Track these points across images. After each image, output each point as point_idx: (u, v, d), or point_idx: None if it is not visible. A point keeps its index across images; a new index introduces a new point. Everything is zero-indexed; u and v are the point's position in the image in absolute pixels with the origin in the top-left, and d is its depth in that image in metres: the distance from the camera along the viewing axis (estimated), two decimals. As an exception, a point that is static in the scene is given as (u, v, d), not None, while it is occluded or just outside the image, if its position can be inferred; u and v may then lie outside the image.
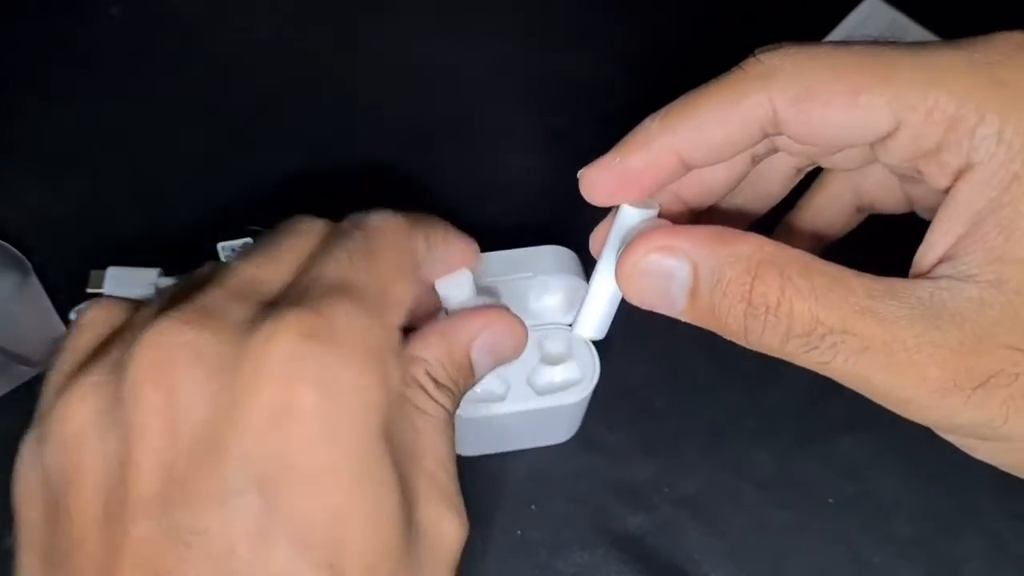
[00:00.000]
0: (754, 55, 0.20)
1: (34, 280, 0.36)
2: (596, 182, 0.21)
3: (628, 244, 0.20)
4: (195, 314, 0.18)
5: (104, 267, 0.36)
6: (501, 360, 0.23)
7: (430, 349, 0.21)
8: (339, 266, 0.20)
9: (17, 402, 0.35)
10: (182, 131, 0.41)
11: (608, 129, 0.38)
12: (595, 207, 0.22)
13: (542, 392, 0.29)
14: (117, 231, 0.38)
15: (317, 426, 0.17)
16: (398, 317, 0.20)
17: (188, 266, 0.36)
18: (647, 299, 0.21)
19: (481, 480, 0.34)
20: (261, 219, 0.38)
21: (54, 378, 0.20)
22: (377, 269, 0.20)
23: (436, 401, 0.21)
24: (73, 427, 0.18)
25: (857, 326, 0.18)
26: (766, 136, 0.20)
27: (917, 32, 0.41)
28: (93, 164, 0.40)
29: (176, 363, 0.18)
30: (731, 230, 0.20)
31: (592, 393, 0.30)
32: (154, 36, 0.42)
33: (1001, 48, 0.19)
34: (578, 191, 0.39)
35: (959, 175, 0.19)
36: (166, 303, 0.19)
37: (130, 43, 0.42)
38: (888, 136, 0.19)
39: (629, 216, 0.21)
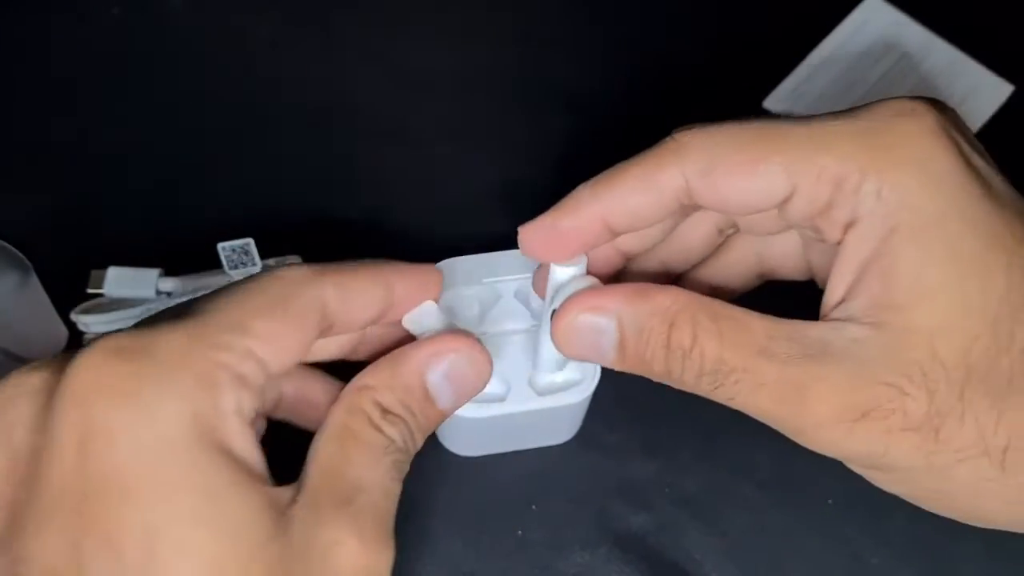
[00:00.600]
0: (671, 136, 0.22)
1: (35, 280, 0.36)
2: (531, 240, 0.24)
3: (561, 306, 0.23)
4: (50, 359, 0.19)
5: (105, 267, 0.36)
6: (464, 388, 0.23)
7: (377, 375, 0.22)
8: (206, 299, 0.20)
9: (18, 402, 0.35)
10: (181, 131, 0.41)
11: (606, 130, 0.39)
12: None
13: (543, 392, 0.29)
14: (118, 231, 0.38)
15: (124, 442, 0.17)
16: (250, 348, 0.19)
17: (189, 266, 0.36)
18: (581, 354, 0.23)
19: (481, 480, 0.34)
20: (260, 219, 0.38)
21: None
22: (235, 305, 0.20)
23: (378, 429, 0.21)
24: None
25: (754, 365, 0.21)
26: (683, 205, 0.22)
27: (918, 32, 0.41)
28: (94, 163, 0.40)
29: (13, 401, 0.18)
30: (650, 285, 0.22)
31: (592, 394, 0.30)
32: (154, 36, 0.42)
33: (882, 115, 0.21)
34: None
35: (847, 229, 0.21)
36: None
37: (130, 43, 0.42)
38: (787, 199, 0.21)
39: (558, 273, 0.24)
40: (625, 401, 0.35)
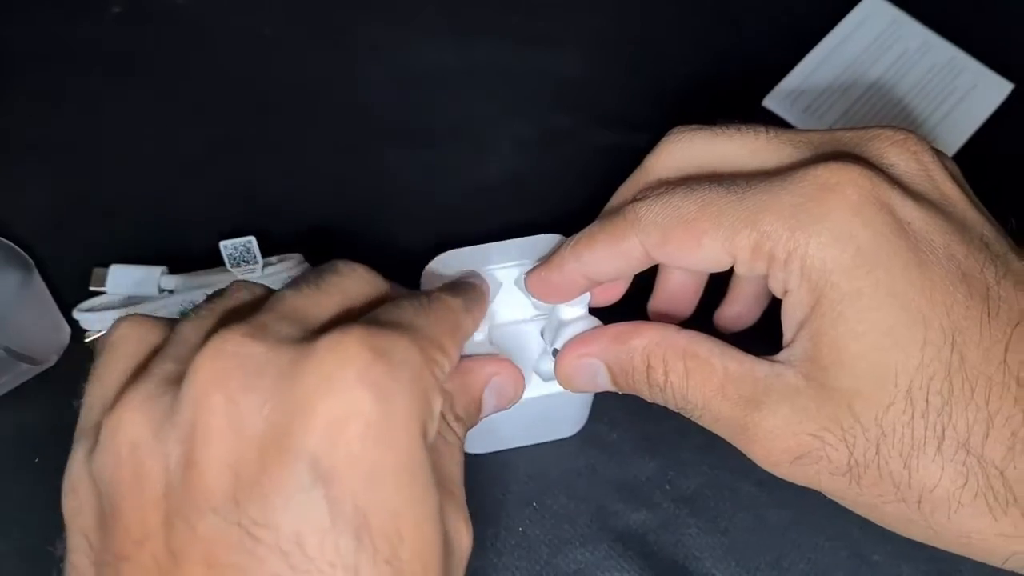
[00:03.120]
0: (631, 206, 0.24)
1: (37, 278, 0.36)
2: (533, 289, 0.27)
3: (560, 353, 0.27)
4: (253, 329, 0.20)
5: (107, 265, 0.36)
6: (502, 404, 0.26)
7: (451, 384, 0.25)
8: (403, 313, 0.22)
9: (21, 400, 0.35)
10: (183, 130, 0.41)
11: (607, 130, 0.39)
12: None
13: (548, 379, 0.29)
14: (120, 229, 0.38)
15: (378, 431, 0.19)
16: (444, 368, 0.22)
17: (191, 265, 0.36)
18: (584, 389, 0.27)
19: (483, 478, 0.34)
20: (262, 218, 0.39)
21: (97, 393, 0.21)
22: (436, 326, 0.22)
23: (453, 430, 0.24)
24: (129, 439, 0.19)
25: (711, 404, 0.23)
26: (647, 264, 0.25)
27: (917, 30, 0.41)
28: (95, 162, 0.40)
29: (239, 371, 0.19)
30: (630, 327, 0.25)
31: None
32: (154, 36, 0.43)
33: (809, 188, 0.22)
34: (575, 189, 0.40)
35: (784, 294, 0.23)
36: (217, 322, 0.21)
37: (130, 43, 0.42)
38: (733, 265, 0.24)
39: (561, 312, 0.27)
40: (625, 399, 0.35)
